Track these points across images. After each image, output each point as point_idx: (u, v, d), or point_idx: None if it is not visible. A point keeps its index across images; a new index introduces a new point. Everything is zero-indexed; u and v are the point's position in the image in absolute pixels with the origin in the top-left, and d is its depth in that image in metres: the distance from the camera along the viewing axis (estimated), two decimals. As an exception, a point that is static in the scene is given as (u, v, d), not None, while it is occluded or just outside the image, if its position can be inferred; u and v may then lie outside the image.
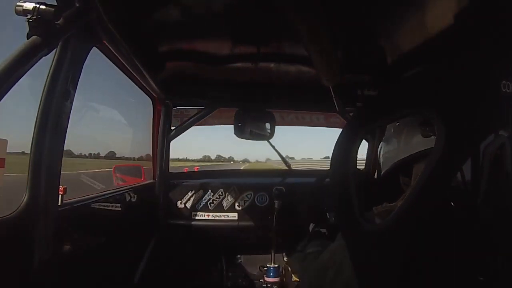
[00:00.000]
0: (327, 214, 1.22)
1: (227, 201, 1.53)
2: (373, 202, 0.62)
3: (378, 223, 0.55)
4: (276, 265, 1.46)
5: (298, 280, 1.08)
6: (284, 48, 1.09)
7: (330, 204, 1.24)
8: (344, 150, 0.55)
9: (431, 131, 0.59)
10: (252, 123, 1.54)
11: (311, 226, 1.19)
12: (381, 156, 0.75)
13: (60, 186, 0.77)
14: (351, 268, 0.55)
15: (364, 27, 0.88)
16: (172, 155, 1.64)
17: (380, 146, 0.77)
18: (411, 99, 0.51)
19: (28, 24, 0.60)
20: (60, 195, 0.78)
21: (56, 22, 0.63)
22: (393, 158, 0.67)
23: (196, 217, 1.53)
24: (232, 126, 1.53)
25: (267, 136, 1.59)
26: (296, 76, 1.31)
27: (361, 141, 0.58)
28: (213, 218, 1.52)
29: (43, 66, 0.69)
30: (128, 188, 1.35)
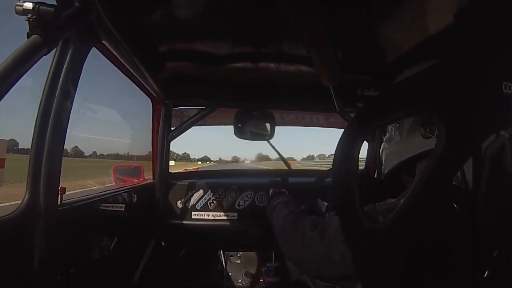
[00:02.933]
0: (327, 214, 1.22)
1: (227, 201, 1.53)
2: (378, 200, 0.63)
3: (379, 222, 0.55)
4: (276, 265, 1.46)
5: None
6: (284, 48, 1.09)
7: (330, 204, 1.24)
8: (345, 150, 0.55)
9: (431, 132, 0.59)
10: (252, 123, 1.54)
11: (271, 191, 1.20)
12: (383, 156, 0.76)
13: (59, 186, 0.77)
14: (351, 264, 0.56)
15: (364, 27, 0.88)
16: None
17: (382, 146, 0.77)
18: (411, 99, 0.51)
19: (28, 24, 0.60)
20: (59, 195, 0.78)
21: (56, 22, 0.63)
22: (396, 159, 0.68)
23: (196, 217, 1.52)
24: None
25: (267, 136, 1.59)
26: (296, 76, 1.31)
27: (362, 142, 0.58)
28: (213, 218, 1.52)
29: (43, 66, 0.70)
30: (128, 188, 1.35)
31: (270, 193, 1.19)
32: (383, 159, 0.76)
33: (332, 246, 0.62)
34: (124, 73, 1.18)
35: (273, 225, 0.92)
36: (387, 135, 0.75)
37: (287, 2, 0.64)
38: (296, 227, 0.77)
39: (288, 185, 1.29)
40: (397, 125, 0.69)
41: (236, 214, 1.52)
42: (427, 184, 0.47)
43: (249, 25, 0.93)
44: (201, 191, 1.54)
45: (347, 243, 0.57)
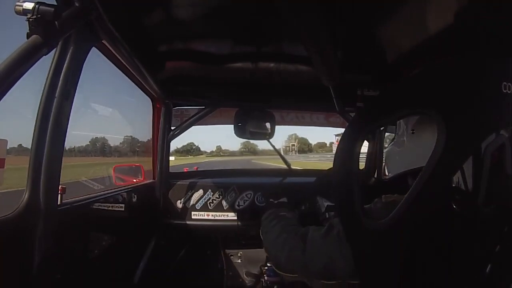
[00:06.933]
0: (327, 214, 1.22)
1: (227, 201, 1.53)
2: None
3: (380, 221, 0.55)
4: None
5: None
6: (284, 48, 1.09)
7: (330, 203, 1.24)
8: (346, 149, 0.55)
9: None
10: (252, 123, 1.55)
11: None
12: (388, 158, 0.75)
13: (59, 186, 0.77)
14: (349, 265, 0.56)
15: (364, 27, 0.88)
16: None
17: (388, 148, 0.77)
18: (411, 99, 0.51)
19: (28, 24, 0.60)
20: (59, 195, 0.78)
21: (56, 22, 0.63)
22: (404, 166, 0.67)
23: (196, 217, 1.52)
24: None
25: (267, 136, 1.60)
26: (296, 76, 1.31)
27: (363, 141, 0.58)
28: (213, 218, 1.52)
29: (43, 66, 0.70)
30: (128, 188, 1.35)
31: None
32: (387, 160, 0.76)
33: (334, 246, 0.62)
34: (124, 73, 1.18)
35: (266, 243, 0.82)
36: (396, 138, 0.74)
37: (287, 2, 0.64)
38: (296, 236, 0.72)
39: (323, 187, 1.24)
40: (411, 132, 0.68)
41: (236, 214, 1.52)
42: (428, 183, 0.47)
43: (249, 25, 0.93)
44: (201, 191, 1.54)
45: (348, 243, 0.57)
